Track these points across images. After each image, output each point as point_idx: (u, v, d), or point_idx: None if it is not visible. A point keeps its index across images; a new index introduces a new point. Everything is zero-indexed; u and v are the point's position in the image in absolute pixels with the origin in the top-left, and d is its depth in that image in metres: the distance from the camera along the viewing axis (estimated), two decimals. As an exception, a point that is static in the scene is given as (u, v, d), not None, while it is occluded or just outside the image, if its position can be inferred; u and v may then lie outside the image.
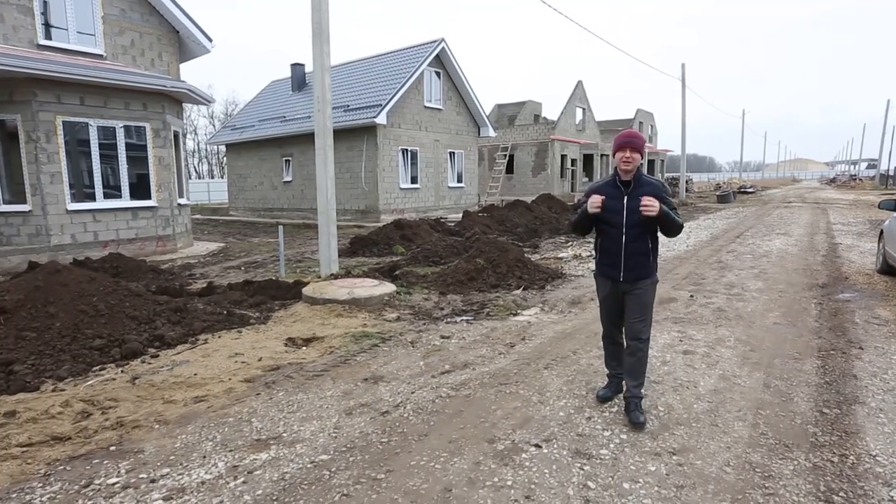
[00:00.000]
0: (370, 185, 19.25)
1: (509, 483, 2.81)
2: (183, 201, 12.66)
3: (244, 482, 2.85)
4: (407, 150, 20.19)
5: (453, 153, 22.62)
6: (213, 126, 59.53)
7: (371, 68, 21.95)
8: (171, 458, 3.12)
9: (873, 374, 4.31)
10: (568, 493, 2.71)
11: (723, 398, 3.87)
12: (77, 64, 10.21)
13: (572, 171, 34.41)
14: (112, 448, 3.24)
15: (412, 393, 4.01)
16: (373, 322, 5.96)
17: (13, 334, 4.73)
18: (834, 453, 3.09)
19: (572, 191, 33.45)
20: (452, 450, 3.16)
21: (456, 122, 22.59)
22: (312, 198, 20.60)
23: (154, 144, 11.39)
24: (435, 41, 20.62)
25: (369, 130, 18.81)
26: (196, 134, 60.28)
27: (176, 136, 12.37)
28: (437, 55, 20.65)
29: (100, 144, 10.53)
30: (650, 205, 3.29)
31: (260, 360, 4.74)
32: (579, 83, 34.68)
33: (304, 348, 5.14)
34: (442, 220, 17.36)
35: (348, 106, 19.78)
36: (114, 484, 2.85)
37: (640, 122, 45.43)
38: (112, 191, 10.83)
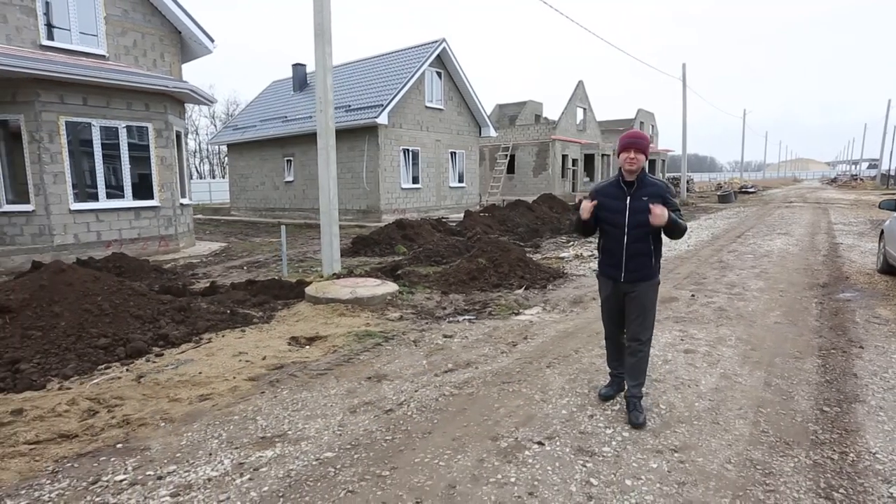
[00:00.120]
0: (372, 185, 19.28)
1: (513, 480, 2.84)
2: (185, 201, 12.70)
3: (250, 479, 2.88)
4: (408, 150, 20.22)
5: (454, 153, 22.66)
6: (215, 126, 59.62)
7: (372, 68, 21.99)
8: (178, 455, 3.15)
9: (873, 372, 4.34)
10: (571, 490, 2.74)
11: (724, 396, 3.89)
12: (80, 64, 10.25)
13: (573, 171, 34.44)
14: (119, 445, 3.27)
15: (416, 391, 4.04)
16: (375, 321, 5.99)
17: (19, 333, 4.76)
18: (834, 451, 3.12)
19: (573, 191, 33.48)
20: (456, 447, 3.19)
21: (457, 122, 22.62)
22: (314, 198, 20.65)
23: (156, 144, 11.44)
24: (436, 41, 20.66)
25: (371, 130, 18.84)
26: (197, 134, 60.41)
27: (178, 136, 12.42)
28: (438, 55, 20.68)
29: (102, 144, 10.58)
30: (660, 214, 3.29)
31: (264, 358, 4.78)
32: (580, 83, 34.71)
33: (308, 347, 5.17)
34: (443, 219, 17.39)
35: (350, 106, 19.82)
36: (121, 481, 2.88)
37: (641, 122, 45.45)
38: (115, 191, 10.87)
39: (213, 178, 56.69)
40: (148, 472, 2.96)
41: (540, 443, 3.23)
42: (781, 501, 2.64)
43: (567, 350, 4.97)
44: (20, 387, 4.09)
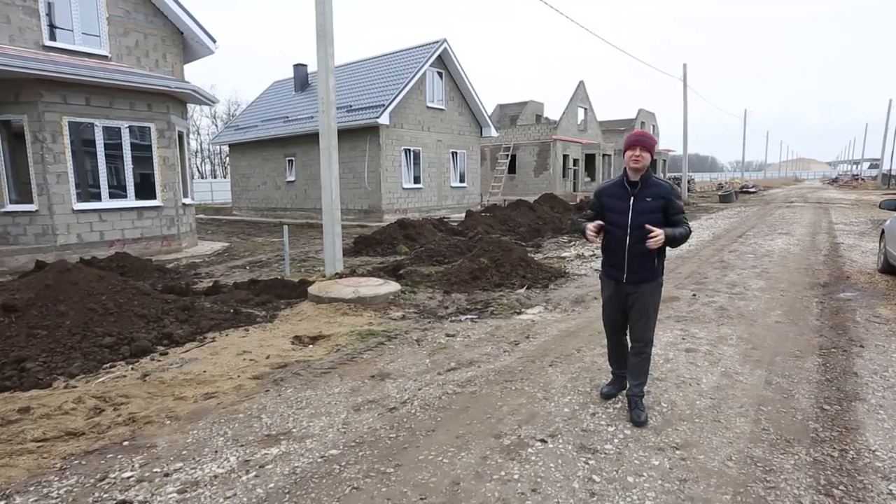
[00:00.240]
0: (373, 184, 19.32)
1: (516, 477, 2.87)
2: (187, 201, 12.74)
3: (256, 476, 2.91)
4: (410, 150, 20.25)
5: (456, 153, 22.69)
6: (216, 126, 59.70)
7: (373, 69, 22.02)
8: (184, 452, 3.18)
9: (874, 371, 4.37)
10: (573, 487, 2.77)
11: (725, 395, 3.92)
12: (82, 65, 10.29)
13: (574, 170, 34.47)
14: (125, 443, 3.30)
15: (419, 390, 4.08)
16: (378, 320, 6.02)
17: (25, 332, 4.79)
18: (834, 448, 3.15)
19: (574, 190, 33.51)
20: (460, 445, 3.22)
21: (458, 123, 22.66)
22: (315, 198, 20.68)
23: (159, 144, 11.48)
24: (437, 42, 20.69)
25: (372, 130, 18.87)
26: (199, 134, 60.45)
27: (180, 136, 12.46)
28: (440, 56, 20.71)
29: (105, 144, 10.62)
30: (657, 239, 3.27)
31: (268, 357, 4.81)
32: (581, 83, 34.73)
33: (311, 346, 5.20)
34: (445, 219, 17.42)
35: (351, 106, 19.86)
36: (128, 477, 2.91)
37: (642, 122, 45.46)
38: (117, 191, 10.91)
39: (215, 177, 56.77)
40: (155, 469, 2.99)
41: (543, 440, 3.26)
42: (782, 498, 2.67)
43: (569, 349, 5.00)
44: (26, 385, 4.12)
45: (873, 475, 2.86)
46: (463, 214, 18.43)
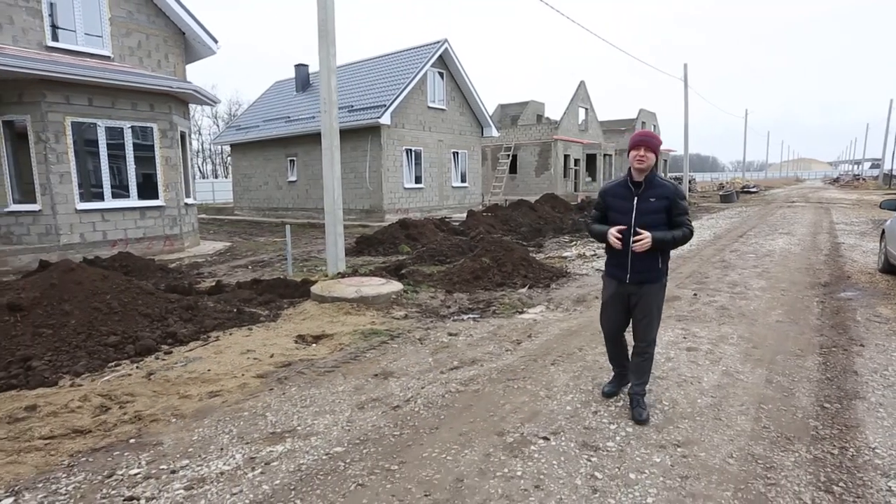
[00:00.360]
0: (375, 184, 19.35)
1: (519, 473, 2.90)
2: (190, 201, 12.77)
3: (262, 473, 2.94)
4: (411, 150, 20.29)
5: (457, 153, 22.72)
6: (217, 126, 59.77)
7: (375, 69, 22.06)
8: (190, 450, 3.21)
9: (874, 370, 4.39)
10: (576, 483, 2.80)
11: (726, 393, 3.95)
12: (85, 65, 10.33)
13: (575, 170, 34.49)
14: (132, 441, 3.34)
15: (422, 388, 4.11)
16: (381, 320, 6.05)
17: (30, 331, 4.83)
18: (834, 446, 3.17)
19: (575, 190, 33.54)
20: (463, 442, 3.25)
21: (459, 123, 22.69)
22: (317, 197, 20.73)
23: (161, 145, 11.51)
24: (438, 42, 20.72)
25: (373, 131, 18.91)
26: (200, 134, 60.54)
27: (182, 136, 12.50)
28: (441, 56, 20.74)
29: (108, 145, 10.65)
30: (643, 243, 3.30)
31: (271, 356, 4.84)
32: (582, 83, 34.74)
33: (315, 345, 5.23)
34: (446, 219, 17.45)
35: (352, 106, 19.90)
36: (136, 474, 2.94)
37: (643, 122, 45.46)
38: (120, 190, 10.95)
39: (216, 177, 56.85)
40: (161, 467, 3.02)
41: (545, 438, 3.29)
42: (782, 495, 2.69)
43: (571, 348, 5.03)
44: (33, 383, 4.16)
45: (873, 472, 2.89)
46: (464, 214, 18.47)
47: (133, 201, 11.07)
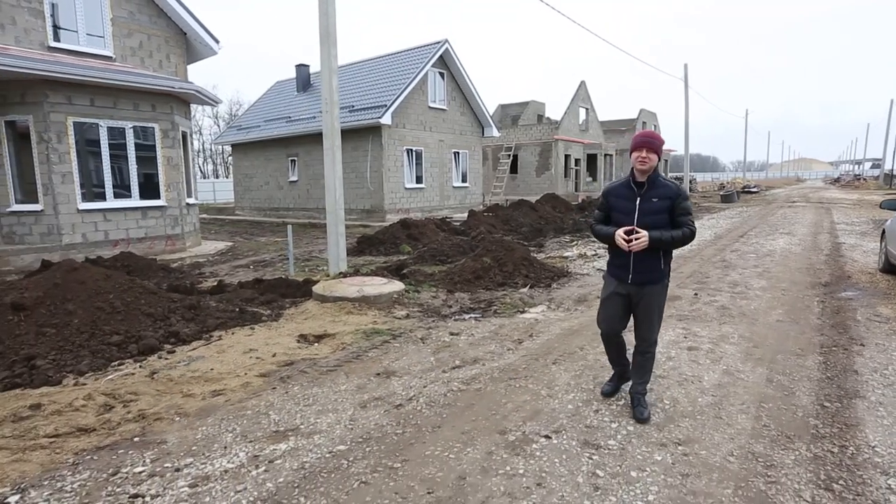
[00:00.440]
0: (376, 184, 19.38)
1: (521, 471, 2.92)
2: (191, 201, 12.80)
3: (266, 471, 2.96)
4: (412, 150, 20.31)
5: (458, 153, 22.74)
6: (218, 126, 59.80)
7: (375, 69, 22.09)
8: (194, 448, 3.23)
9: (874, 369, 4.41)
10: (578, 481, 2.82)
11: (726, 392, 3.97)
12: (87, 65, 10.36)
13: (576, 170, 34.51)
14: (136, 439, 3.36)
15: (424, 387, 4.13)
16: (383, 319, 6.07)
17: (34, 330, 4.86)
18: (834, 444, 3.19)
19: (576, 190, 33.55)
20: (465, 440, 3.27)
21: (460, 123, 22.71)
22: (318, 197, 20.76)
23: (163, 145, 11.54)
24: (439, 42, 20.74)
25: (374, 131, 18.93)
26: (201, 134, 60.57)
27: (184, 136, 12.53)
28: (441, 56, 20.77)
29: (110, 145, 10.68)
30: (640, 240, 3.32)
31: (274, 355, 4.86)
32: (582, 83, 34.76)
33: (317, 344, 5.25)
34: (447, 219, 17.47)
35: (353, 106, 19.92)
36: (140, 472, 2.96)
37: (644, 122, 45.48)
38: (122, 190, 10.98)
39: (217, 177, 56.88)
40: (166, 465, 3.04)
41: (547, 436, 3.31)
42: (782, 492, 2.71)
43: (572, 347, 5.04)
44: (37, 382, 4.18)
45: (872, 470, 2.91)
46: (465, 214, 18.49)
47: (135, 201, 11.10)
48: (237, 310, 6.23)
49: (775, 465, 2.96)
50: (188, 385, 4.20)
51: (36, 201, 10.02)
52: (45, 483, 2.86)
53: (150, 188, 11.39)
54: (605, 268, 3.86)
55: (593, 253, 10.87)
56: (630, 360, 3.83)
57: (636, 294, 3.54)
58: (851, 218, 18.53)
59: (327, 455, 3.12)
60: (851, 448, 3.15)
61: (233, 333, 5.54)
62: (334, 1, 8.15)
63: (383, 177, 19.13)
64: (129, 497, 2.73)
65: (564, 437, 3.30)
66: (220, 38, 13.90)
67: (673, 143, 54.86)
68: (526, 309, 6.55)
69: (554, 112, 43.37)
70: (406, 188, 20.17)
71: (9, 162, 10.01)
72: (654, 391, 3.95)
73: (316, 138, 18.79)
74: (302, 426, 3.50)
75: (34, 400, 3.85)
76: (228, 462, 3.06)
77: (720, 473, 2.88)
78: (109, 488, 2.81)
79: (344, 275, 8.04)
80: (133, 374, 4.44)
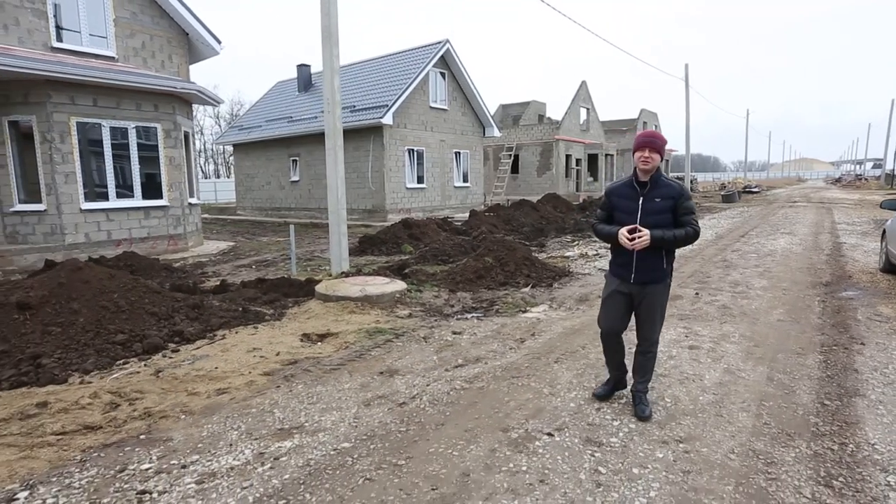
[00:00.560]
0: (377, 184, 19.42)
1: (524, 468, 2.95)
2: (193, 201, 12.85)
3: (271, 468, 2.99)
4: (413, 150, 20.35)
5: (459, 153, 22.77)
6: (219, 126, 59.83)
7: (377, 69, 22.12)
8: (200, 445, 3.26)
9: (874, 368, 4.43)
10: (580, 478, 2.85)
11: (727, 390, 4.00)
12: (90, 66, 10.40)
13: (577, 170, 34.52)
14: (142, 437, 3.39)
15: (427, 385, 4.16)
16: (385, 318, 6.10)
17: (39, 329, 4.89)
18: (834, 442, 3.22)
19: (577, 190, 33.57)
20: (469, 438, 3.30)
21: (461, 123, 22.74)
22: (319, 197, 20.79)
23: (165, 145, 11.58)
24: (440, 42, 20.78)
25: (376, 130, 18.97)
26: (202, 134, 60.66)
27: (186, 136, 12.56)
28: (442, 56, 20.80)
29: (112, 145, 10.72)
30: (642, 239, 3.33)
31: (277, 354, 4.90)
32: (583, 83, 34.77)
33: (320, 343, 5.29)
34: (449, 219, 17.50)
35: (355, 106, 19.96)
36: (147, 469, 3.00)
37: (645, 122, 45.49)
38: (124, 190, 11.02)
39: (219, 177, 56.94)
40: (172, 462, 3.07)
41: (549, 434, 3.34)
42: (783, 489, 2.74)
43: (574, 346, 5.07)
44: (43, 381, 4.22)
45: (872, 467, 2.94)
46: (466, 214, 18.52)
47: (137, 201, 11.14)
48: (240, 309, 6.27)
49: (776, 463, 2.99)
50: (193, 383, 4.23)
51: (39, 201, 10.06)
52: (54, 479, 2.89)
53: (152, 188, 11.44)
54: (606, 267, 3.87)
55: (595, 253, 10.90)
56: (628, 367, 3.83)
57: (638, 293, 3.55)
58: (852, 218, 18.54)
59: (332, 452, 3.15)
60: (851, 445, 3.17)
61: (236, 332, 5.57)
62: (336, 1, 8.18)
63: (385, 177, 19.16)
64: (137, 493, 2.76)
65: (567, 434, 3.33)
66: (221, 38, 13.96)
67: (674, 143, 54.91)
68: (528, 308, 6.58)
69: (555, 112, 43.43)
70: (407, 188, 20.20)
71: (12, 162, 10.05)
72: (655, 389, 3.98)
73: (317, 138, 18.85)
74: (306, 424, 3.53)
75: (41, 398, 3.88)
76: (234, 459, 3.09)
77: (721, 470, 2.91)
78: (117, 485, 2.85)
79: (346, 274, 8.07)
80: (138, 372, 4.47)
